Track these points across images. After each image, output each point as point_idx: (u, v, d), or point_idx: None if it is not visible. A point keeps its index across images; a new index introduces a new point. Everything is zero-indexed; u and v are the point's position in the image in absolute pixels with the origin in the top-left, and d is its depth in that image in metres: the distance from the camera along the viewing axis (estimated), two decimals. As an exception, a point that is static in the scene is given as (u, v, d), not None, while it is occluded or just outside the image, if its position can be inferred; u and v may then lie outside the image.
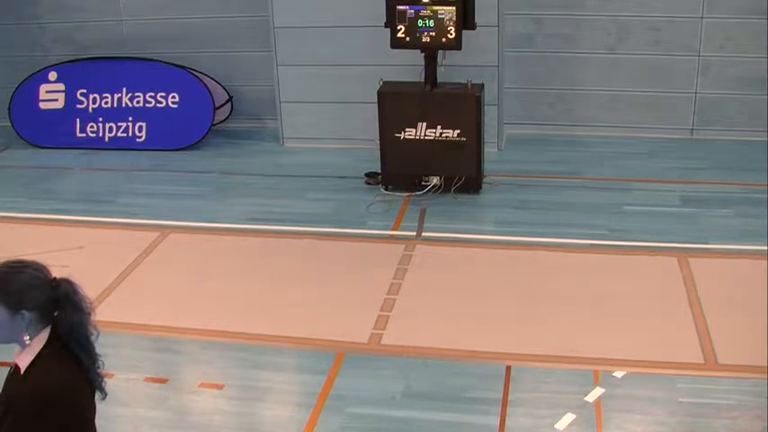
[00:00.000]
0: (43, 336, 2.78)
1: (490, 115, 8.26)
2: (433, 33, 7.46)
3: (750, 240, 6.70)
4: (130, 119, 9.39)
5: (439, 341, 5.59)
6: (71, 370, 2.79)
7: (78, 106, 9.50)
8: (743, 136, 8.74)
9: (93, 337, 2.86)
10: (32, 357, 2.76)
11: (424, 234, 7.12)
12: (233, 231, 7.28)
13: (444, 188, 7.77)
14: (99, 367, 2.88)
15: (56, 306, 2.78)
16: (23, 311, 2.73)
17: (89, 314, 2.85)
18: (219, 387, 5.23)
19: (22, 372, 2.77)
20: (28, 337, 2.77)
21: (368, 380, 5.23)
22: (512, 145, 8.92)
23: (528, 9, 8.77)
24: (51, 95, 9.57)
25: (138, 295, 6.32)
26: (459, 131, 7.66)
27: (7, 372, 2.87)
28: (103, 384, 2.91)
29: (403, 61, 7.93)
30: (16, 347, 2.81)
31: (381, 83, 7.81)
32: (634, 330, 5.59)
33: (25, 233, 7.29)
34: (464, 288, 6.25)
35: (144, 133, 9.35)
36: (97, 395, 2.91)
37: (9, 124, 9.66)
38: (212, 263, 6.78)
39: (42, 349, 2.77)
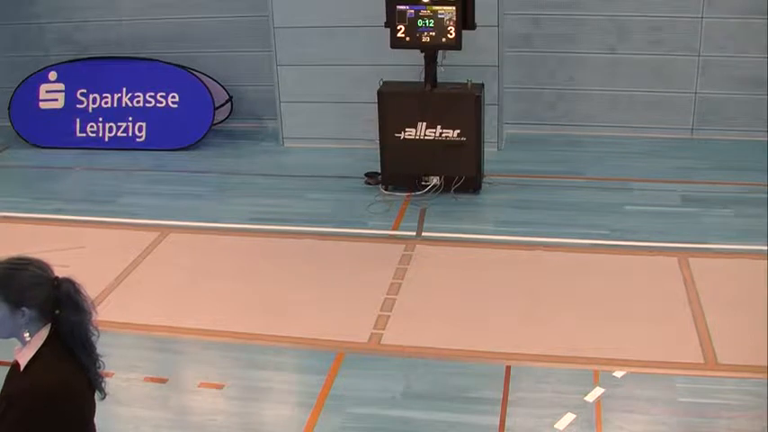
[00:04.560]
0: (43, 333, 2.79)
1: (490, 115, 8.25)
2: (433, 33, 7.45)
3: (750, 240, 6.69)
4: (130, 119, 9.38)
5: (439, 341, 5.59)
6: (71, 368, 2.79)
7: (78, 106, 9.50)
8: (743, 136, 8.74)
9: (93, 338, 2.87)
10: (32, 354, 2.77)
11: (423, 234, 7.12)
12: (233, 231, 7.28)
13: (444, 188, 7.77)
14: (99, 367, 2.89)
15: (57, 305, 2.79)
16: (24, 308, 2.74)
17: (90, 314, 2.85)
18: (219, 387, 5.23)
19: (21, 369, 2.77)
20: (28, 334, 2.77)
21: (368, 380, 5.23)
22: (512, 145, 8.92)
23: (528, 9, 8.77)
24: (51, 95, 9.56)
25: (138, 295, 6.32)
26: (459, 131, 7.66)
27: (8, 371, 2.87)
28: (103, 385, 2.91)
29: (403, 61, 7.93)
30: (17, 345, 2.81)
31: (381, 83, 7.81)
32: (634, 330, 5.59)
33: (25, 233, 7.28)
34: (464, 288, 6.25)
35: (144, 133, 9.35)
36: (96, 395, 2.91)
37: (9, 124, 9.66)
38: (212, 263, 6.78)
39: (42, 347, 2.77)
